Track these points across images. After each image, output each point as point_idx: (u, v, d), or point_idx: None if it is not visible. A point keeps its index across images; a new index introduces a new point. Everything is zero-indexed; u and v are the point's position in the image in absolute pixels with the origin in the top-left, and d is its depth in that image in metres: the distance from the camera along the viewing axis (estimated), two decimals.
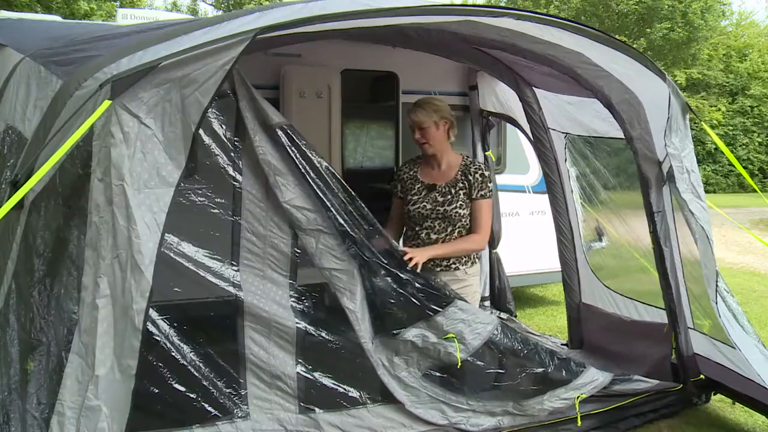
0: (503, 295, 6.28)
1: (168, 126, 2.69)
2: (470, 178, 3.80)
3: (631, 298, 4.86)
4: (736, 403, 4.15)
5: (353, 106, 5.87)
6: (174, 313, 2.96)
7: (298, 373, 3.29)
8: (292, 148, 3.13)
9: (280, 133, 3.10)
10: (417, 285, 3.39)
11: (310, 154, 3.16)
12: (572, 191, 5.16)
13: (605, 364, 4.69)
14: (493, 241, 6.30)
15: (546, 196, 5.31)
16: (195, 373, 3.04)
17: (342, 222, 3.21)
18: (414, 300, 3.39)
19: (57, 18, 8.13)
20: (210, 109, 2.80)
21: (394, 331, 3.42)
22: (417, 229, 3.82)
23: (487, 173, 3.88)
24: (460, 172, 3.83)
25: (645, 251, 4.48)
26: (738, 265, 10.06)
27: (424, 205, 3.78)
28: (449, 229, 3.78)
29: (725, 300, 3.89)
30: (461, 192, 3.79)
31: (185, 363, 3.01)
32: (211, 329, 3.21)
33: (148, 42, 2.66)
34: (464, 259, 3.83)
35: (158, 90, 2.64)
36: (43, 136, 2.63)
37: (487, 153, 6.26)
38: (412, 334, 3.43)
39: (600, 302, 5.06)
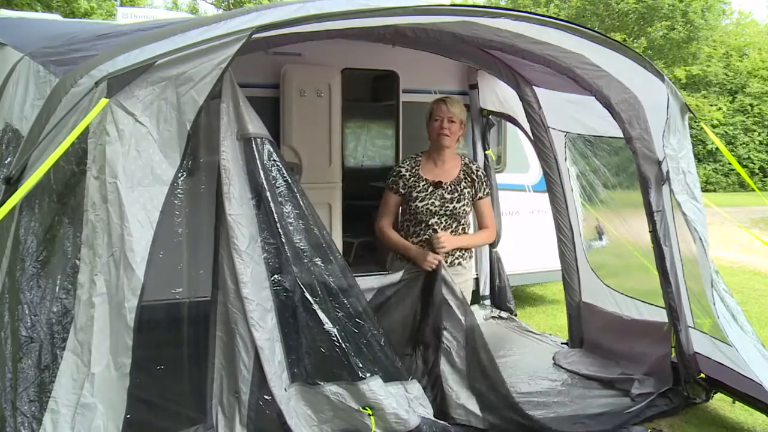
0: (503, 294, 6.29)
1: (163, 124, 2.69)
2: (473, 176, 3.95)
3: (631, 297, 4.85)
4: (737, 401, 4.14)
5: (353, 105, 5.84)
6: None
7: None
8: (265, 164, 2.97)
9: (255, 144, 2.96)
10: (351, 342, 3.13)
11: (279, 174, 3.01)
12: (572, 190, 5.15)
13: (605, 363, 4.70)
14: (493, 240, 6.31)
15: (546, 195, 5.31)
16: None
17: (284, 252, 3.02)
18: (341, 356, 3.10)
19: (57, 17, 8.15)
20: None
21: (318, 381, 3.14)
22: (422, 225, 3.85)
23: (484, 172, 4.12)
24: (461, 172, 3.94)
25: (645, 250, 4.47)
26: (738, 264, 10.02)
27: (432, 202, 3.83)
28: (454, 225, 3.87)
29: (723, 300, 3.88)
30: (465, 191, 3.90)
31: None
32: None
33: (144, 40, 2.66)
34: (465, 254, 3.96)
35: (154, 88, 2.64)
36: (38, 133, 2.62)
37: (487, 152, 6.25)
38: (330, 390, 3.16)
39: (600, 301, 5.05)
